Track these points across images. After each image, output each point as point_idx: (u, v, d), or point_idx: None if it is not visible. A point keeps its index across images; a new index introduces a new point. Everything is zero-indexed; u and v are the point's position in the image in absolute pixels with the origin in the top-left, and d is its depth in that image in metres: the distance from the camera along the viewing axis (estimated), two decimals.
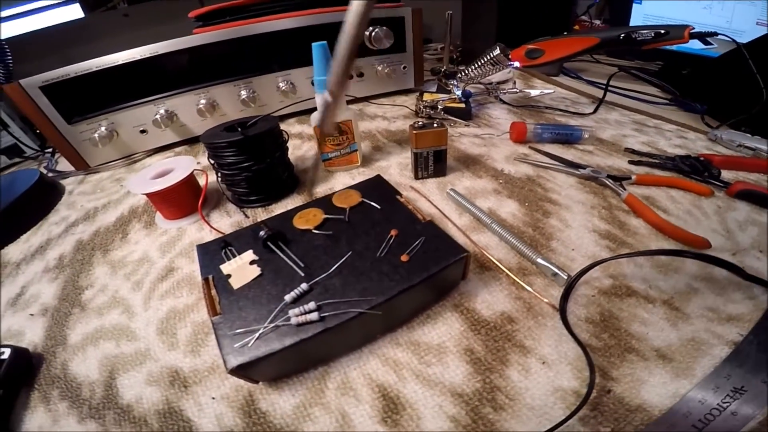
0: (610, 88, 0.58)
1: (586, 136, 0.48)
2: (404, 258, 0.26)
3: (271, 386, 0.26)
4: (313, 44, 0.39)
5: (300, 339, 0.22)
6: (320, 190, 0.44)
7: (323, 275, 0.25)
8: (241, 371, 0.22)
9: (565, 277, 0.29)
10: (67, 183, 0.59)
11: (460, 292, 0.29)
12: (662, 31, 0.44)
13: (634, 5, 0.63)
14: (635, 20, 0.63)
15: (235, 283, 0.26)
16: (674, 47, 0.64)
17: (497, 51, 0.52)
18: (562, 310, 0.28)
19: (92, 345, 0.32)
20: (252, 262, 0.27)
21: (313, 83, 0.63)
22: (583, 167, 0.42)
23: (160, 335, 0.31)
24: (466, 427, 0.22)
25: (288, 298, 0.24)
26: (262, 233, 0.28)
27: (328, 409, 0.24)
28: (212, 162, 0.40)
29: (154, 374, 0.28)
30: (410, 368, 0.25)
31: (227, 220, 0.41)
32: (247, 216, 0.41)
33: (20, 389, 0.30)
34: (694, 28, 0.43)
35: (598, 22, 0.81)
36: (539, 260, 0.30)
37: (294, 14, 0.59)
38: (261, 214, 0.41)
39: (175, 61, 0.56)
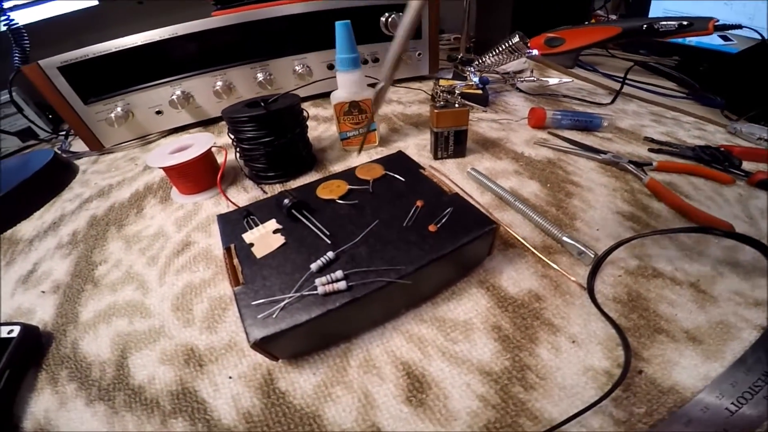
0: (626, 81, 0.57)
1: (606, 123, 0.47)
2: (432, 228, 0.25)
3: (291, 364, 0.24)
4: (337, 23, 0.38)
5: (327, 309, 0.21)
6: (338, 168, 0.43)
7: (350, 244, 0.24)
8: (263, 345, 0.20)
9: (592, 256, 0.28)
10: (81, 163, 0.58)
11: (485, 269, 0.28)
12: (686, 23, 0.43)
13: (653, 1, 0.61)
14: (654, 14, 0.62)
15: (258, 252, 0.25)
16: (693, 42, 0.62)
17: (516, 38, 0.50)
18: (590, 289, 0.27)
19: (104, 322, 0.30)
20: (275, 231, 0.26)
21: (333, 64, 0.64)
22: (604, 152, 0.41)
23: (175, 311, 0.30)
24: (496, 407, 0.21)
25: (314, 266, 0.23)
26: (286, 201, 0.27)
27: (351, 389, 0.23)
28: (232, 137, 0.39)
29: (168, 352, 0.27)
30: (436, 345, 0.24)
31: (244, 195, 0.40)
32: (265, 192, 0.40)
33: (28, 369, 0.29)
34: (718, 21, 0.42)
35: (614, 17, 0.79)
36: (565, 239, 0.29)
37: None
38: (279, 190, 0.40)
39: (192, 43, 0.55)
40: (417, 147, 0.45)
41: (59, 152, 0.60)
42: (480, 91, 0.54)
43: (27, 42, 0.65)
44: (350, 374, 0.23)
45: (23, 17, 0.83)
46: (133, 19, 0.91)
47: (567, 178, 0.38)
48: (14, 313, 0.33)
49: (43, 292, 0.34)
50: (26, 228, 0.45)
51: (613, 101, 0.55)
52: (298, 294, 0.21)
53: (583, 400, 0.21)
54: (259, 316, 0.21)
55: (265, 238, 0.26)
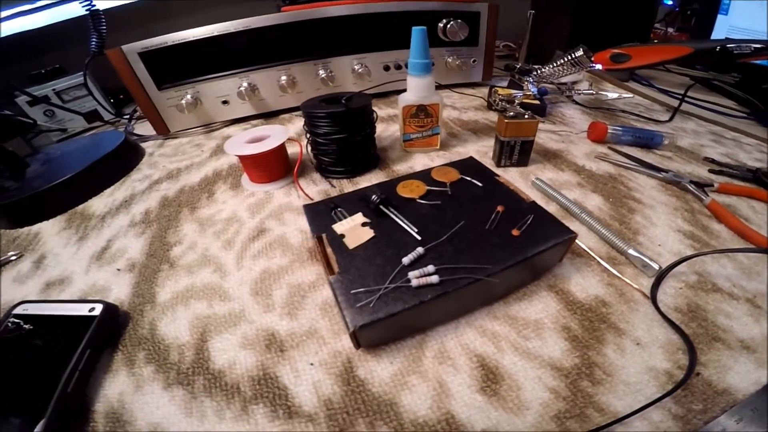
0: (685, 99, 0.57)
1: (666, 142, 0.48)
2: (515, 232, 0.27)
3: (369, 353, 0.26)
4: (414, 28, 0.40)
5: (420, 301, 0.23)
6: (400, 168, 0.45)
7: (437, 241, 0.26)
8: (359, 332, 0.22)
9: (657, 268, 0.30)
10: (147, 146, 0.62)
11: (554, 275, 0.30)
12: (761, 46, 0.43)
13: (719, 16, 0.61)
14: (718, 31, 0.62)
15: (350, 243, 0.27)
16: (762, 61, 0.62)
17: (580, 52, 0.52)
18: (654, 298, 0.28)
19: (182, 304, 0.31)
20: (364, 224, 0.29)
21: (397, 67, 0.66)
22: (666, 171, 0.42)
23: (254, 296, 0.31)
24: (566, 399, 0.23)
25: (405, 260, 0.25)
26: (374, 197, 0.29)
27: (426, 378, 0.24)
28: (306, 130, 0.42)
29: (249, 337, 0.28)
30: (508, 341, 0.26)
31: (314, 188, 0.43)
32: (333, 186, 0.43)
33: (104, 349, 0.29)
34: None
35: (671, 30, 0.79)
36: (631, 251, 0.31)
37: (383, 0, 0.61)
38: (346, 185, 0.43)
39: (262, 37, 0.58)
40: (477, 153, 0.47)
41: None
42: (538, 102, 0.55)
43: (104, 27, 0.69)
44: (425, 364, 0.25)
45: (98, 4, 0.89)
46: (196, 10, 0.95)
47: (629, 194, 0.40)
48: (89, 290, 0.34)
49: (119, 269, 0.36)
50: (97, 204, 0.48)
51: (671, 119, 0.55)
52: (393, 285, 0.24)
53: (645, 396, 0.22)
54: (357, 305, 0.23)
55: (354, 230, 0.28)
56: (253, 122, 0.64)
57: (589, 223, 0.34)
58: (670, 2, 0.82)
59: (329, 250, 0.27)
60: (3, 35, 0.82)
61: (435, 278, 0.23)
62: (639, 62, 0.49)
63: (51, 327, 0.30)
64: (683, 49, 0.46)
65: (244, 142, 0.42)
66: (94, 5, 0.66)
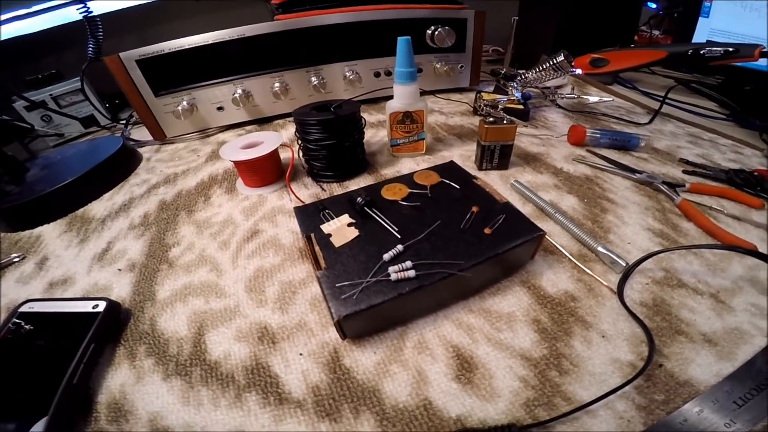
0: (666, 100, 0.60)
1: (643, 144, 0.50)
2: (487, 231, 0.29)
3: (354, 344, 0.28)
4: (399, 38, 0.43)
5: (398, 293, 0.25)
6: (388, 172, 0.48)
7: (415, 239, 0.29)
8: (344, 322, 0.24)
9: (624, 264, 0.32)
10: (143, 151, 0.65)
11: (527, 271, 0.33)
12: (731, 49, 0.46)
13: (701, 19, 0.64)
14: (700, 34, 0.65)
15: (336, 242, 0.30)
16: (740, 63, 0.64)
17: (561, 57, 0.54)
18: (620, 293, 0.31)
19: (181, 301, 0.33)
20: (349, 225, 0.32)
21: (387, 73, 0.69)
22: (639, 172, 0.45)
23: (248, 292, 0.33)
24: (535, 387, 0.25)
25: (386, 257, 0.28)
26: (359, 199, 0.32)
27: (406, 366, 0.26)
28: (298, 137, 0.44)
29: (243, 330, 0.30)
30: (482, 332, 0.28)
31: (305, 191, 0.46)
32: (323, 189, 0.46)
33: (106, 344, 0.30)
34: (765, 48, 0.45)
35: (657, 32, 0.82)
36: (600, 248, 0.34)
37: (370, 8, 0.64)
38: (336, 188, 0.46)
39: (256, 45, 0.61)
40: (461, 157, 0.50)
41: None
42: (522, 107, 0.58)
43: (101, 33, 0.71)
44: (406, 354, 0.27)
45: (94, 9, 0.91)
46: (191, 16, 0.97)
47: (603, 194, 0.42)
48: (91, 289, 0.36)
49: (120, 270, 0.38)
50: (97, 208, 0.50)
51: (651, 121, 0.58)
52: (374, 279, 0.26)
53: (609, 386, 0.24)
54: (342, 297, 0.25)
55: (341, 230, 0.31)
56: (248, 128, 0.67)
57: (563, 222, 0.37)
58: (654, 5, 0.86)
59: (317, 248, 0.29)
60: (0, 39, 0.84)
61: (412, 273, 0.26)
62: (616, 66, 0.51)
63: (56, 323, 0.31)
64: (658, 54, 0.49)
65: (238, 147, 0.45)
66: (91, 11, 0.68)
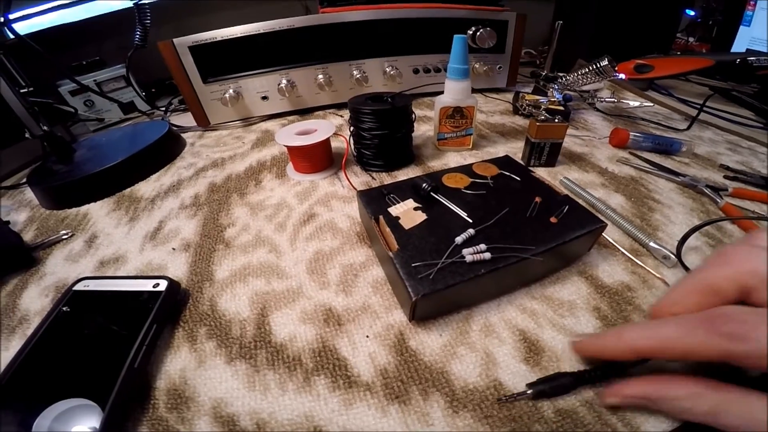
0: (703, 107, 0.61)
1: (684, 149, 0.52)
2: (553, 220, 0.31)
3: (420, 326, 0.29)
4: (456, 36, 0.45)
5: (474, 275, 0.26)
6: (435, 165, 0.50)
7: (486, 224, 0.31)
8: (420, 302, 0.25)
9: (675, 259, 0.33)
10: (186, 137, 0.67)
11: (584, 263, 0.34)
12: None
13: (741, 27, 0.65)
14: (740, 42, 0.66)
15: (405, 224, 0.32)
16: None
17: (605, 62, 0.56)
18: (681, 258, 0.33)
19: (241, 282, 0.33)
20: (415, 209, 0.33)
21: (426, 70, 0.71)
22: (683, 175, 0.46)
23: (310, 274, 0.34)
24: None
25: (459, 239, 0.29)
26: (425, 185, 0.34)
27: (474, 348, 0.27)
28: (351, 125, 0.46)
29: (308, 312, 0.30)
30: (546, 318, 0.29)
31: (355, 179, 0.48)
32: (373, 178, 0.47)
33: (165, 326, 0.30)
34: None
35: (692, 39, 0.83)
36: (652, 244, 0.35)
37: (414, 6, 0.65)
38: (385, 178, 0.47)
39: (302, 36, 0.63)
40: (507, 154, 0.51)
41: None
42: (563, 108, 0.59)
43: (149, 21, 0.73)
44: (472, 337, 0.28)
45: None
46: (227, 7, 0.99)
47: (649, 194, 0.44)
48: (145, 269, 0.36)
49: (174, 249, 0.39)
50: (145, 188, 0.52)
51: (689, 127, 0.59)
52: (449, 261, 0.28)
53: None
54: (418, 276, 0.26)
55: (408, 213, 0.33)
56: (289, 118, 0.69)
57: (614, 219, 0.38)
58: (693, 13, 0.86)
59: (387, 229, 0.31)
60: (43, 27, 0.87)
61: (488, 255, 0.27)
62: (661, 72, 0.53)
63: (114, 303, 0.31)
64: (705, 61, 0.50)
65: (293, 133, 0.47)
66: None
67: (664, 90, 0.73)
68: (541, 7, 0.93)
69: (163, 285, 0.31)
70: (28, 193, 0.56)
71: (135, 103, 0.85)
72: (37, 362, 0.27)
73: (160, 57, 0.60)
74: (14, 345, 0.31)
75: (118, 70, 0.83)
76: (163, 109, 0.83)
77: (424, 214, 0.32)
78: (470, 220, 0.31)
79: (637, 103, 0.62)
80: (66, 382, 0.25)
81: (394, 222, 0.32)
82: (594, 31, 0.74)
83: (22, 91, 0.69)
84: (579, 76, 0.60)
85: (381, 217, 0.33)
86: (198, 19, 0.99)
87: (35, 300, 0.35)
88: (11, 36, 0.69)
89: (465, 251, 0.28)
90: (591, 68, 0.57)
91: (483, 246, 0.28)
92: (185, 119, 0.73)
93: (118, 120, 0.86)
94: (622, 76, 0.56)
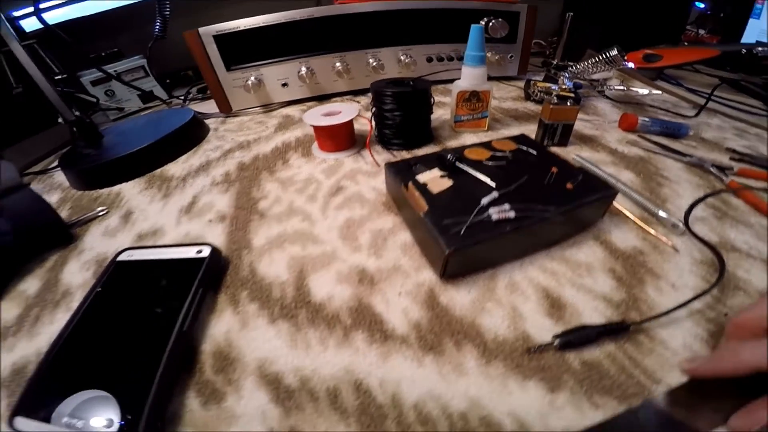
0: (712, 97, 0.63)
1: (692, 133, 0.54)
2: (569, 186, 0.34)
3: (449, 283, 0.31)
4: (473, 26, 0.48)
5: (501, 231, 0.29)
6: (452, 144, 0.53)
7: (509, 189, 0.33)
8: (452, 256, 0.27)
9: (683, 227, 0.36)
10: (209, 123, 0.70)
11: (597, 229, 0.37)
12: None
13: (751, 20, 0.67)
14: (749, 34, 0.68)
15: (433, 189, 0.34)
16: None
17: (615, 51, 0.58)
18: (687, 222, 0.36)
19: (277, 248, 0.36)
20: (442, 176, 0.36)
21: (439, 59, 0.74)
22: (690, 156, 0.49)
23: (342, 240, 0.36)
24: None
25: (484, 201, 0.32)
26: (450, 156, 0.36)
27: (501, 304, 0.29)
28: (374, 107, 0.49)
29: (343, 274, 0.32)
30: (566, 277, 0.32)
31: (377, 156, 0.50)
32: (394, 155, 0.50)
33: (207, 292, 0.31)
34: None
35: (703, 32, 0.85)
36: (661, 213, 0.38)
37: None
38: (406, 156, 0.50)
39: (320, 26, 0.66)
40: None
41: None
42: (573, 95, 0.62)
43: (168, 12, 0.76)
44: (498, 293, 0.30)
45: None
46: (237, 2, 1.02)
47: (657, 172, 0.46)
48: (183, 240, 0.38)
49: (210, 220, 0.41)
50: (175, 169, 0.54)
51: (697, 114, 0.62)
52: (477, 219, 0.30)
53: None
54: (450, 232, 0.29)
55: (435, 180, 0.35)
56: (308, 104, 0.72)
57: (624, 190, 0.41)
58: (702, 5, 0.88)
59: (417, 193, 0.34)
60: (63, 20, 0.90)
61: (512, 213, 0.30)
62: (669, 62, 0.55)
63: (158, 270, 0.32)
64: (711, 52, 0.53)
65: (320, 115, 0.49)
66: None
67: (673, 80, 0.76)
68: (551, 3, 0.96)
69: (206, 251, 0.32)
70: (57, 177, 0.59)
71: (154, 92, 0.88)
72: (83, 335, 0.28)
73: (176, 49, 0.63)
74: (59, 318, 0.32)
75: (136, 61, 0.87)
76: (182, 98, 0.86)
77: (450, 180, 0.35)
78: (493, 185, 0.34)
79: (646, 91, 0.64)
80: (111, 353, 0.26)
81: (422, 188, 0.35)
82: (604, 22, 0.76)
83: (56, 77, 0.72)
84: (589, 65, 0.62)
85: (410, 183, 0.35)
86: (211, 12, 1.01)
87: (76, 274, 0.37)
88: (40, 25, 0.72)
89: (491, 210, 0.31)
90: (601, 57, 0.60)
91: (507, 206, 0.31)
92: (205, 107, 0.76)
93: (138, 109, 0.89)
94: (631, 64, 0.58)
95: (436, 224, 0.30)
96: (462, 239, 0.29)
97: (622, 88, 0.65)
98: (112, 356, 0.26)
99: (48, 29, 0.69)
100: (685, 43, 0.66)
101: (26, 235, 0.40)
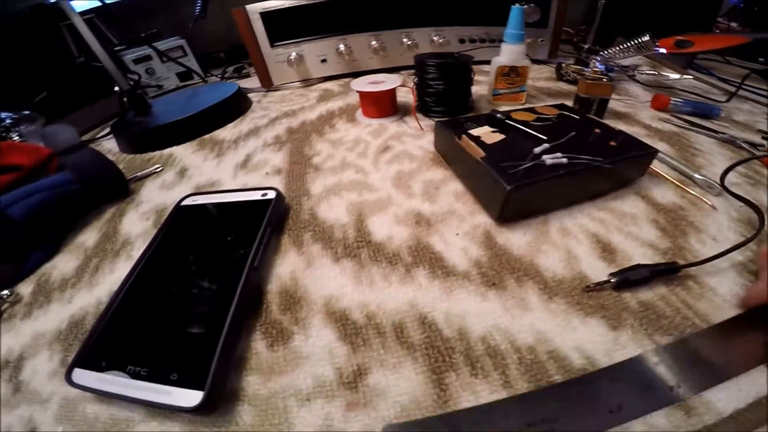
0: (743, 86, 0.65)
1: (723, 114, 0.56)
2: (613, 143, 0.36)
3: (504, 226, 0.32)
4: (513, 7, 0.51)
5: (556, 174, 0.31)
6: None
7: (558, 141, 0.36)
8: (512, 194, 0.29)
9: (720, 188, 0.38)
10: (250, 96, 0.73)
11: (638, 186, 0.39)
12: None
13: None
14: None
15: (487, 141, 0.37)
16: None
17: (647, 37, 0.60)
18: (723, 183, 0.37)
19: (335, 195, 0.38)
20: (493, 132, 0.38)
21: (471, 41, 0.76)
22: (723, 133, 0.51)
23: (396, 188, 0.38)
24: None
25: (537, 150, 0.34)
26: (499, 115, 0.39)
27: (555, 246, 0.31)
28: (417, 77, 0.52)
29: (399, 216, 0.34)
30: (613, 225, 0.33)
31: (420, 123, 0.53)
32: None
33: (272, 234, 0.32)
34: None
35: (735, 24, 0.85)
36: (696, 175, 0.40)
37: None
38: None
39: (358, 5, 0.69)
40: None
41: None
42: (605, 77, 0.64)
43: None
44: (552, 237, 0.31)
45: None
46: None
47: (690, 145, 0.48)
48: (242, 188, 0.41)
49: (267, 173, 0.44)
50: (225, 134, 0.58)
51: (728, 100, 0.63)
52: (532, 163, 0.33)
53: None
54: (508, 173, 0.31)
55: (487, 134, 0.38)
56: (345, 80, 0.75)
57: (662, 157, 0.43)
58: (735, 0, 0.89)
59: (472, 143, 0.36)
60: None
61: (564, 159, 0.32)
62: (700, 48, 0.57)
63: (225, 212, 0.34)
64: (742, 39, 0.55)
65: (366, 83, 0.52)
66: None
67: (704, 70, 0.77)
68: None
69: (271, 194, 0.34)
70: (106, 144, 0.63)
71: (192, 71, 0.92)
72: (149, 279, 0.29)
73: (209, 32, 0.66)
74: (119, 267, 0.34)
75: (174, 41, 0.90)
76: (218, 76, 0.89)
77: (502, 135, 0.38)
78: (544, 137, 0.36)
79: (677, 76, 0.66)
80: (178, 296, 0.27)
81: (476, 139, 0.37)
82: (636, 10, 0.78)
83: (116, 48, 0.76)
84: (620, 51, 0.64)
85: (463, 135, 0.38)
86: None
87: (136, 224, 0.40)
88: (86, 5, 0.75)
89: (545, 156, 0.33)
90: (632, 43, 0.62)
91: (559, 154, 0.33)
92: (242, 83, 0.79)
93: (175, 87, 0.92)
94: (663, 50, 0.60)
95: (494, 166, 0.32)
96: (521, 178, 0.31)
97: (653, 72, 0.67)
98: (179, 299, 0.26)
99: (103, 6, 0.73)
100: (717, 31, 0.67)
101: (90, 185, 0.43)
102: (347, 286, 0.28)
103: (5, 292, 0.33)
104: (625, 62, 0.72)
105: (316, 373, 0.24)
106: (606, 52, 0.67)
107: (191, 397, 0.20)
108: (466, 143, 0.37)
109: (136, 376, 0.22)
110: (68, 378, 0.23)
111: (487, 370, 0.23)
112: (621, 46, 0.64)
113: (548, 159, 0.33)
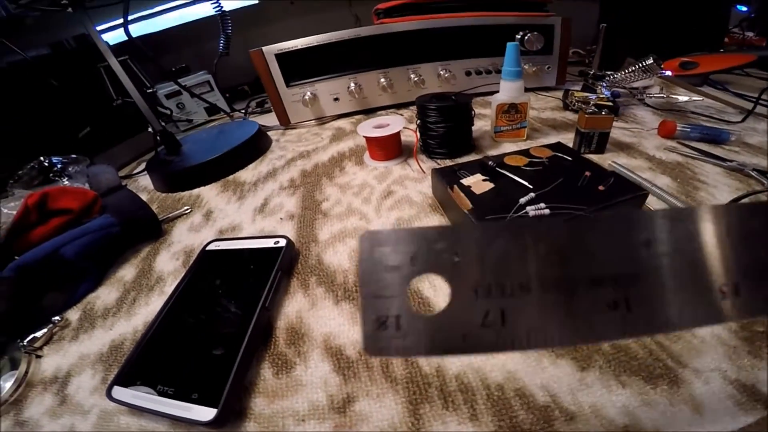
0: (760, 101, 0.64)
1: (733, 138, 0.56)
2: (601, 188, 0.38)
3: None
4: (509, 44, 0.53)
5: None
6: (493, 153, 0.57)
7: (545, 190, 0.38)
8: None
9: None
10: (270, 134, 0.79)
11: None
12: None
13: None
14: None
15: (476, 191, 0.40)
16: None
17: (650, 60, 0.61)
18: None
19: (340, 242, 0.42)
20: (484, 180, 0.41)
21: (477, 73, 0.79)
22: (730, 161, 0.51)
23: None
24: None
25: (522, 200, 0.37)
26: (491, 162, 0.42)
27: None
28: (419, 119, 0.55)
29: None
30: None
31: (422, 164, 0.56)
32: (438, 164, 0.56)
33: (283, 277, 0.36)
34: None
35: (751, 34, 0.84)
36: None
37: (465, 15, 0.74)
38: (449, 164, 0.56)
39: (366, 44, 0.74)
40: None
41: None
42: (611, 104, 0.65)
43: (230, 29, 0.84)
44: None
45: (193, 12, 1.07)
46: (288, 17, 1.12)
47: (695, 177, 0.49)
48: (259, 234, 0.45)
49: (281, 219, 0.49)
50: (245, 175, 0.63)
51: (744, 120, 0.62)
52: (516, 215, 0.36)
53: None
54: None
55: (477, 183, 0.41)
56: (357, 117, 0.79)
57: (659, 194, 0.44)
58: (745, 8, 0.88)
59: (461, 194, 0.39)
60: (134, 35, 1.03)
61: (547, 211, 0.35)
62: (706, 69, 0.58)
63: (243, 258, 0.39)
64: (747, 57, 0.55)
65: (371, 127, 0.56)
66: (222, 7, 0.80)
67: (720, 85, 0.76)
68: (589, 5, 0.98)
69: (282, 242, 0.39)
70: (141, 181, 0.70)
71: (218, 106, 0.99)
72: (178, 313, 0.34)
73: (233, 65, 0.72)
74: (153, 301, 0.40)
75: (201, 76, 0.98)
76: (242, 111, 0.96)
77: (492, 183, 0.40)
78: (531, 186, 0.39)
79: (686, 98, 0.66)
80: (200, 329, 0.32)
81: (466, 189, 0.40)
82: (640, 31, 0.78)
83: (148, 91, 0.84)
84: (627, 74, 0.65)
85: (455, 185, 0.41)
86: (261, 29, 1.11)
87: (168, 263, 0.46)
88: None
89: (528, 208, 0.36)
90: (637, 67, 0.63)
91: (543, 205, 0.36)
92: (264, 120, 0.85)
93: (204, 121, 1.00)
94: (668, 73, 0.61)
95: (479, 219, 0.35)
96: None
97: (662, 95, 0.67)
98: (202, 332, 0.32)
99: (131, 43, 0.79)
100: (733, 48, 0.66)
101: (130, 227, 0.50)
102: (344, 325, 0.32)
103: (57, 318, 0.39)
104: (636, 84, 0.73)
105: (312, 398, 0.28)
106: (614, 76, 0.68)
107: (207, 413, 0.25)
108: (456, 194, 0.40)
109: (164, 394, 0.27)
110: (108, 394, 0.28)
111: (458, 403, 0.26)
112: (627, 70, 0.65)
113: (531, 210, 0.35)
